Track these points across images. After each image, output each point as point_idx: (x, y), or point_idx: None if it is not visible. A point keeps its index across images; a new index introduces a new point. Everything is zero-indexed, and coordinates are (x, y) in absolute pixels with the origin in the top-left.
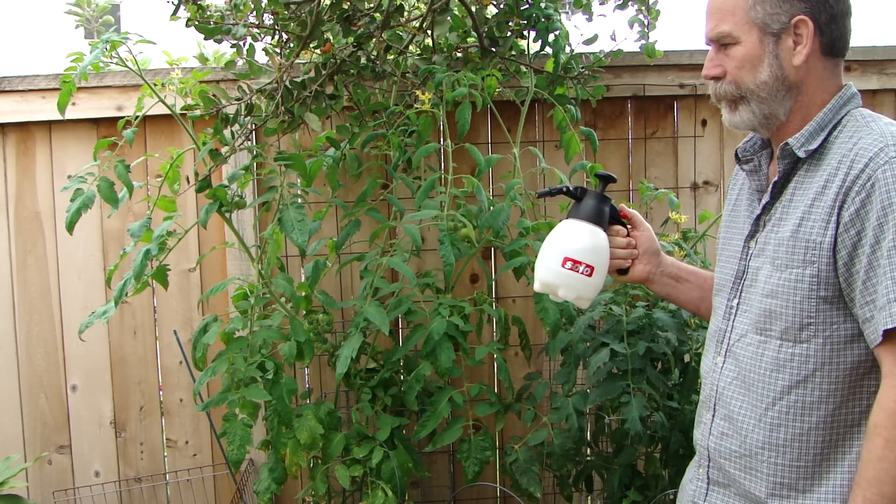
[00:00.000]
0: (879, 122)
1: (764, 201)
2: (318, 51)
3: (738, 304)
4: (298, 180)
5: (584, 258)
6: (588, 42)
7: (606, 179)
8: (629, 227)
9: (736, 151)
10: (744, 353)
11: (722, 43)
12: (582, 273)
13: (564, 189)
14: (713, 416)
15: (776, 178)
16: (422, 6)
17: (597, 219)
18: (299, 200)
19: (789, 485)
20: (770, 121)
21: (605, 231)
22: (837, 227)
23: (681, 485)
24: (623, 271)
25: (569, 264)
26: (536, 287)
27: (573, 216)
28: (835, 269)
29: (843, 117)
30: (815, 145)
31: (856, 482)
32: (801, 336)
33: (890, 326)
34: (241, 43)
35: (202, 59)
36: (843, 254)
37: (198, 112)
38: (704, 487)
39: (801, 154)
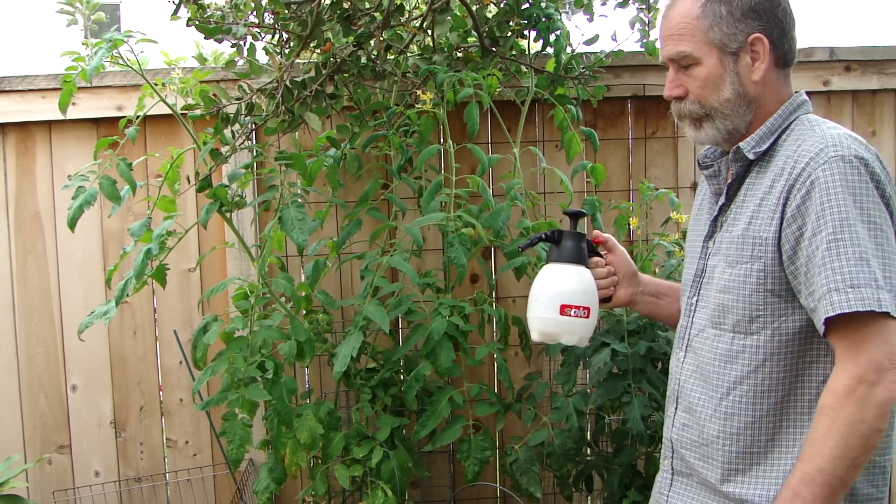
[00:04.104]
0: (823, 125)
1: (720, 203)
2: (318, 50)
3: (696, 302)
4: (299, 180)
5: (578, 301)
6: (589, 42)
7: (576, 216)
8: (605, 252)
9: (698, 158)
10: (701, 346)
11: (682, 64)
12: (580, 316)
13: (543, 236)
14: (676, 408)
15: (730, 181)
16: (422, 6)
17: (578, 258)
18: (299, 200)
19: (742, 470)
20: (733, 135)
21: (587, 267)
22: (781, 223)
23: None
24: (606, 299)
25: (567, 311)
26: (535, 337)
27: (557, 261)
28: (780, 262)
29: (791, 122)
30: (763, 147)
31: (798, 458)
32: (751, 328)
33: (830, 314)
34: (242, 42)
35: (200, 59)
36: (786, 248)
37: (198, 111)
38: (669, 478)
39: (750, 156)
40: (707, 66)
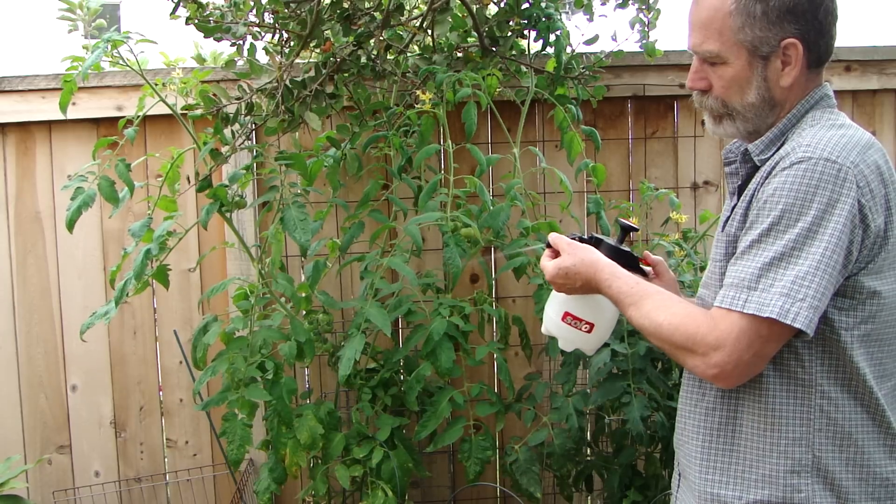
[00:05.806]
0: (819, 124)
1: (733, 204)
2: (318, 50)
3: (701, 304)
4: (299, 180)
5: (584, 315)
6: (589, 42)
7: (627, 230)
8: (652, 276)
9: (722, 152)
10: None
11: (708, 61)
12: (581, 330)
13: (575, 237)
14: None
15: (739, 182)
16: (422, 5)
17: None
18: (300, 200)
19: (720, 469)
20: (753, 135)
21: None
22: (744, 222)
23: None
24: None
25: (568, 319)
26: (544, 331)
27: None
28: None
29: (801, 121)
30: (769, 154)
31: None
32: None
33: (717, 304)
34: (241, 42)
35: (200, 59)
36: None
37: (198, 111)
38: (678, 479)
39: (757, 162)
40: (734, 68)
